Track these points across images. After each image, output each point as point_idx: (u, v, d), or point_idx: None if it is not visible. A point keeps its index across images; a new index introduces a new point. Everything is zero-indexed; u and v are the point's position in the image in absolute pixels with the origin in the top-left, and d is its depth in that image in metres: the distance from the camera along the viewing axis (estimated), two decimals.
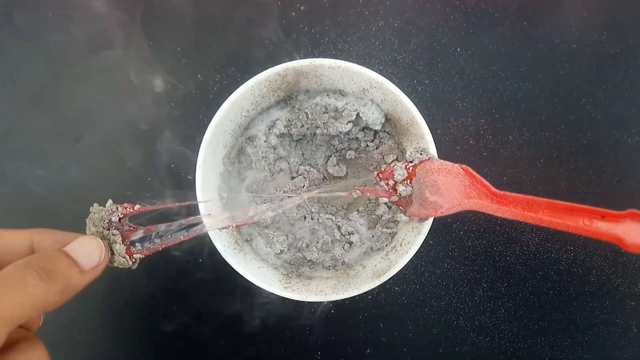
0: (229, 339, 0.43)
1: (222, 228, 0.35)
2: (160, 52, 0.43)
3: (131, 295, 0.43)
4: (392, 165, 0.36)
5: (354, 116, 0.39)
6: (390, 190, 0.36)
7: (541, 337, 0.43)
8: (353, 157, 0.41)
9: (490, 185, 0.33)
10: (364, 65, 0.36)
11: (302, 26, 0.43)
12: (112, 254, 0.28)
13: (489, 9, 0.44)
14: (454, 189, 0.33)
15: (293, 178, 0.41)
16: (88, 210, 0.43)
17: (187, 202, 0.36)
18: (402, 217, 0.37)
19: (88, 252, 0.25)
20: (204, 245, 0.41)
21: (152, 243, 0.31)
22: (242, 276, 0.35)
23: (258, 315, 0.43)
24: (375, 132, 0.40)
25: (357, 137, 0.40)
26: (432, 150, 0.35)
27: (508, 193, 0.33)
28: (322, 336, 0.43)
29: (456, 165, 0.34)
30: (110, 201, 0.29)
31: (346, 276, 0.39)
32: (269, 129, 0.40)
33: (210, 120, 0.36)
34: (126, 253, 0.29)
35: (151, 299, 0.43)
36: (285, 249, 0.40)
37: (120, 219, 0.29)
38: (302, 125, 0.40)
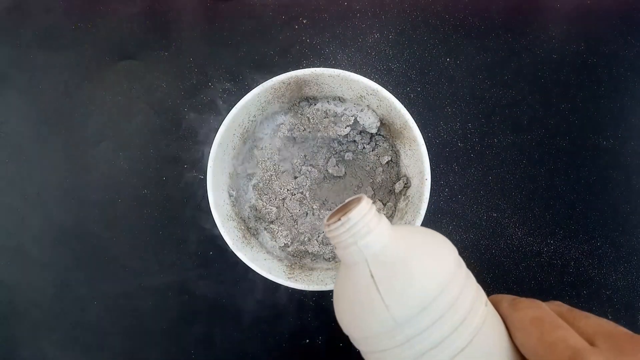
0: (235, 324, 0.43)
1: None
2: (174, 62, 0.43)
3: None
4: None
5: (352, 121, 0.39)
6: None
7: None
8: (351, 158, 0.41)
9: None
10: (361, 74, 0.36)
11: (304, 38, 0.43)
12: None
13: (476, 22, 0.44)
14: None
15: (296, 177, 0.41)
16: (106, 207, 0.44)
17: None
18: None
19: None
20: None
21: None
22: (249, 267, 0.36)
23: (264, 303, 0.43)
24: (372, 135, 0.41)
25: (354, 140, 0.41)
26: (424, 154, 0.36)
27: None
28: (324, 322, 0.43)
29: None
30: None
31: None
32: (274, 133, 0.41)
33: (220, 124, 0.36)
34: None
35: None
36: (289, 243, 0.40)
37: None
38: (305, 129, 0.40)
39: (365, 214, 0.25)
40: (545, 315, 0.22)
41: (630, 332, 0.20)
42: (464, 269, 0.25)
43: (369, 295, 0.23)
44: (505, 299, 0.25)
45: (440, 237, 0.26)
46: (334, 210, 0.27)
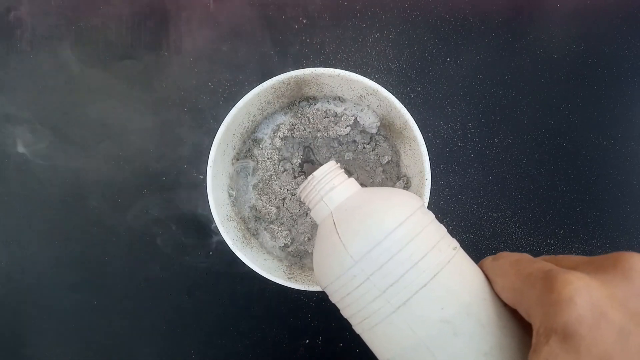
0: (235, 324, 0.43)
1: None
2: (174, 62, 0.43)
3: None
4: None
5: (352, 121, 0.39)
6: None
7: None
8: (351, 158, 0.41)
9: None
10: (361, 74, 0.36)
11: (304, 38, 0.43)
12: None
13: (476, 22, 0.44)
14: None
15: (296, 177, 0.41)
16: (106, 207, 0.43)
17: None
18: None
19: None
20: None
21: None
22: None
23: (264, 303, 0.43)
24: (372, 135, 0.40)
25: (354, 140, 0.40)
26: (424, 154, 0.35)
27: None
28: (323, 322, 0.43)
29: None
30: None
31: None
32: (274, 133, 0.40)
33: (220, 124, 0.36)
34: None
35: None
36: (289, 243, 0.40)
37: None
38: (305, 129, 0.40)
39: (328, 172, 0.28)
40: (524, 257, 0.22)
41: (608, 253, 0.20)
42: (429, 216, 0.26)
43: (331, 240, 0.24)
44: (490, 256, 0.25)
45: (404, 191, 0.28)
46: None
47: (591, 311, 0.17)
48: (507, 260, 0.22)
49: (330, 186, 0.27)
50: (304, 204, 0.29)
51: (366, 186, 0.41)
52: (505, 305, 0.22)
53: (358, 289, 0.23)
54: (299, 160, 0.41)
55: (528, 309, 0.20)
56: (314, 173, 0.28)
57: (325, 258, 0.25)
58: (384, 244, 0.22)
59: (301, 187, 0.28)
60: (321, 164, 0.41)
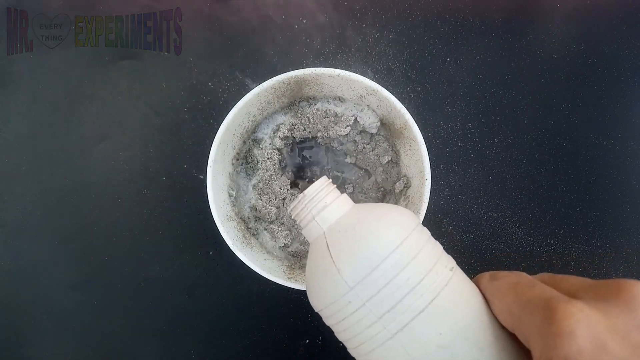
0: (235, 324, 0.43)
1: None
2: (174, 62, 0.43)
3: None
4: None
5: (352, 121, 0.39)
6: None
7: None
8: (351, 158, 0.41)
9: None
10: (361, 74, 0.36)
11: (304, 38, 0.43)
12: None
13: (476, 22, 0.44)
14: None
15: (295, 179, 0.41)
16: (106, 207, 0.43)
17: None
18: None
19: None
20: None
21: None
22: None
23: (264, 303, 0.43)
24: (372, 135, 0.40)
25: (354, 140, 0.40)
26: (424, 154, 0.35)
27: None
28: (323, 322, 0.43)
29: None
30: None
31: None
32: (274, 133, 0.40)
33: (220, 124, 0.36)
34: None
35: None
36: (289, 243, 0.40)
37: None
38: (305, 129, 0.40)
39: (320, 190, 0.27)
40: (523, 279, 0.22)
41: (611, 280, 0.19)
42: (425, 235, 0.25)
43: (324, 263, 0.24)
44: (488, 273, 0.24)
45: (399, 208, 0.26)
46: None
47: (591, 344, 0.17)
48: (505, 282, 0.22)
49: (322, 205, 0.26)
50: (296, 222, 0.28)
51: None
52: (503, 326, 0.22)
53: (354, 314, 0.22)
54: (299, 160, 0.41)
55: (527, 336, 0.19)
56: (305, 191, 0.27)
57: (318, 282, 0.24)
58: (380, 269, 0.22)
59: (292, 205, 0.28)
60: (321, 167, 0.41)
